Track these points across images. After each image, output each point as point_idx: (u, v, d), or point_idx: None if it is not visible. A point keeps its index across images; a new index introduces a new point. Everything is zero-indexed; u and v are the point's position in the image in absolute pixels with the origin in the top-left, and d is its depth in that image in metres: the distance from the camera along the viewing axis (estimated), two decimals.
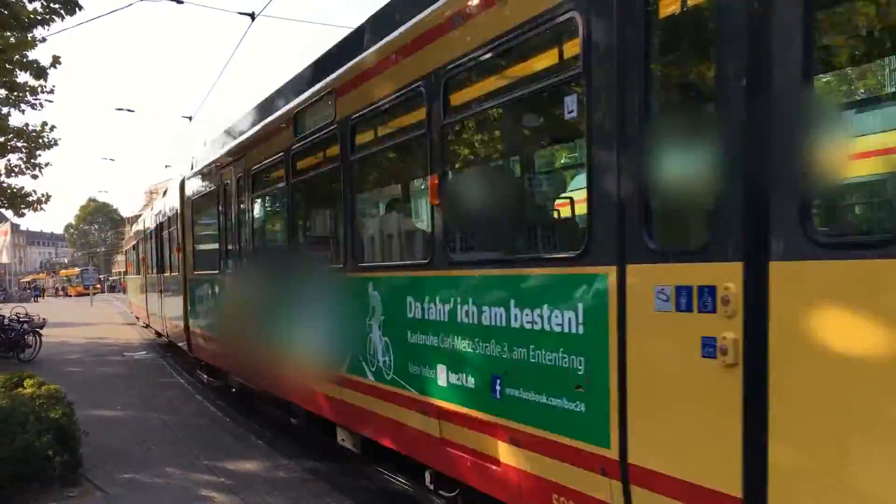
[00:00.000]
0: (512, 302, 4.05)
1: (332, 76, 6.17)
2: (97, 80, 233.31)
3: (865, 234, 3.56)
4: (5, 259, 33.76)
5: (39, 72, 14.17)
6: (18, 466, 6.04)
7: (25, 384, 7.65)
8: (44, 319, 18.65)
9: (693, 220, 3.39)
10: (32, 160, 18.98)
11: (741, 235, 2.84)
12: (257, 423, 9.41)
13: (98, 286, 79.99)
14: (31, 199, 18.99)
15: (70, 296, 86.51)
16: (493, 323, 4.18)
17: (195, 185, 11.74)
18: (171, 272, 15.15)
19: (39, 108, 17.92)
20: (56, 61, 14.00)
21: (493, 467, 4.26)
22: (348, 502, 5.97)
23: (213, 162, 10.25)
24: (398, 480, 6.19)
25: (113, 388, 12.66)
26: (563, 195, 6.20)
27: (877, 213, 5.73)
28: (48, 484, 6.34)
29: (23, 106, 17.88)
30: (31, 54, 14.48)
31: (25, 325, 17.23)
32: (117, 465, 7.20)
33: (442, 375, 4.68)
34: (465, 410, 4.48)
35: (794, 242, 2.66)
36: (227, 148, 9.60)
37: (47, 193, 19.21)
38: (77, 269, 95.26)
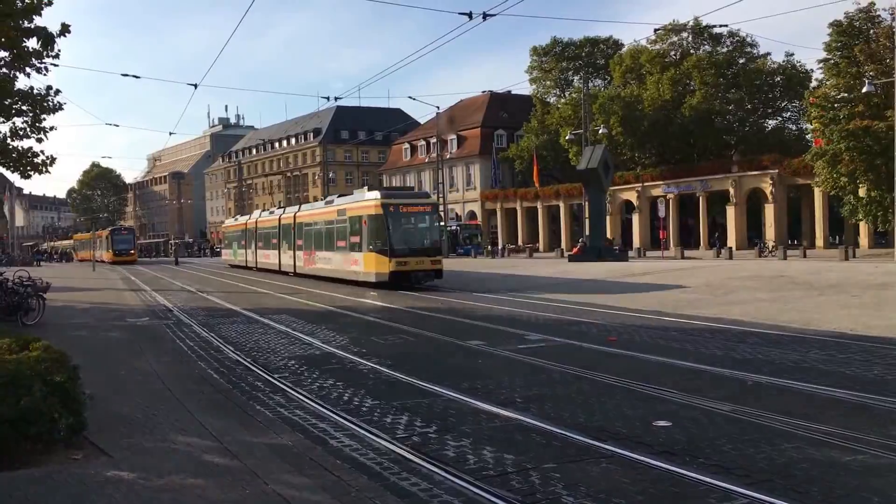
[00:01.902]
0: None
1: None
2: (103, 45, 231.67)
3: None
4: (21, 222, 36.68)
5: (47, 39, 14.05)
6: (24, 428, 6.08)
7: (30, 347, 7.68)
8: (47, 283, 18.69)
9: None
10: (37, 124, 18.91)
11: None
12: (260, 392, 9.46)
13: (134, 252, 72.46)
14: (36, 160, 18.95)
15: (72, 260, 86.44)
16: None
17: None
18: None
19: (45, 72, 17.83)
20: (65, 30, 13.87)
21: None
22: (351, 469, 6.01)
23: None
24: None
25: (117, 352, 12.74)
26: None
27: None
28: (52, 446, 6.39)
29: (28, 69, 17.78)
30: (38, 21, 14.35)
31: (29, 289, 17.27)
32: (121, 430, 7.26)
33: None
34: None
35: None
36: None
37: (52, 155, 19.18)
38: (105, 232, 75.71)
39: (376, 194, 27.95)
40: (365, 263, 27.54)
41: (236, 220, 57.34)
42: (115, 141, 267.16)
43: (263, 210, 52.09)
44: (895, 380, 9.23)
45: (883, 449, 6.29)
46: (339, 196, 35.25)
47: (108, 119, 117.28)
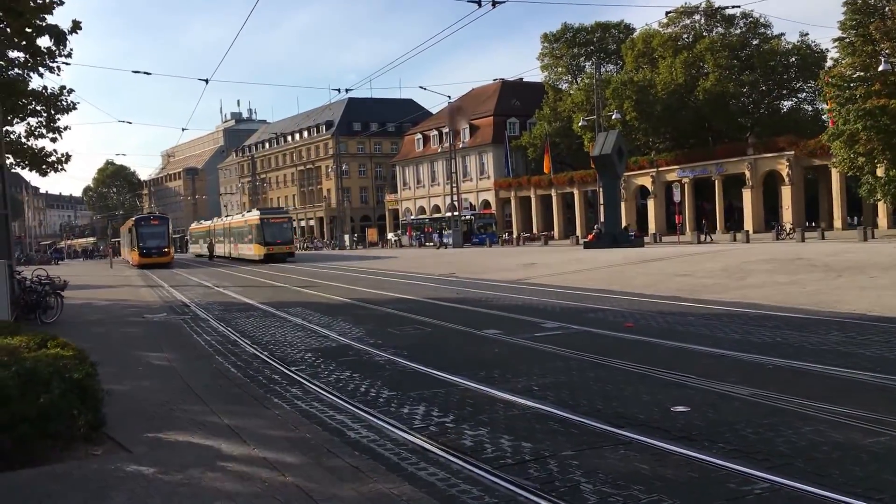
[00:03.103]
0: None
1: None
2: (114, 44, 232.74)
3: None
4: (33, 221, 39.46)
5: (59, 37, 14.13)
6: (43, 425, 6.13)
7: (49, 345, 7.74)
8: (65, 281, 18.83)
9: None
10: (51, 123, 19.05)
11: None
12: (277, 385, 9.49)
13: (169, 250, 50.63)
14: (51, 158, 19.11)
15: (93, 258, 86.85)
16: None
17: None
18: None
19: (58, 71, 17.95)
20: (76, 27, 13.95)
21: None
22: (369, 460, 6.02)
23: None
24: None
25: (134, 348, 12.82)
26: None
27: None
28: (72, 442, 6.45)
29: (41, 69, 17.89)
30: (50, 19, 14.43)
31: (47, 287, 17.41)
32: (140, 425, 7.30)
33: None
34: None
35: None
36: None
37: (67, 153, 19.34)
38: (130, 222, 58.71)
39: (257, 212, 54.76)
40: (255, 250, 51.58)
41: (200, 223, 78.93)
42: (129, 138, 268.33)
43: (218, 218, 77.85)
44: None
45: None
46: (248, 212, 60.86)
47: (121, 117, 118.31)
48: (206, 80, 30.59)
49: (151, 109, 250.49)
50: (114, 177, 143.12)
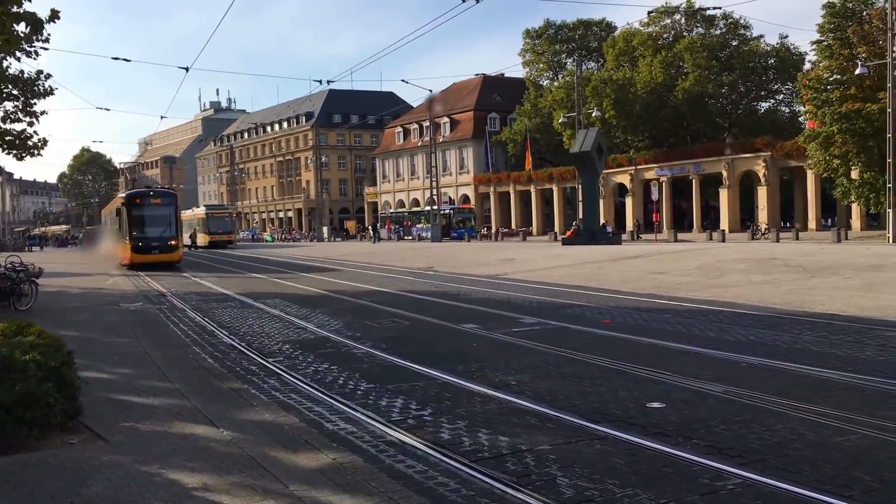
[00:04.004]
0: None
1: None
2: (94, 29, 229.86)
3: None
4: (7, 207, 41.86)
5: (36, 24, 13.94)
6: (19, 413, 6.09)
7: (25, 332, 7.68)
8: (40, 269, 18.63)
9: None
10: (28, 108, 18.82)
11: None
12: (255, 376, 9.47)
13: (176, 244, 33.32)
14: (29, 142, 18.89)
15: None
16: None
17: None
18: None
19: (35, 56, 17.72)
20: (55, 16, 13.76)
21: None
22: (347, 452, 6.04)
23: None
24: None
25: (111, 337, 12.74)
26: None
27: None
28: (48, 431, 6.41)
29: (18, 54, 17.66)
30: (28, 6, 14.22)
31: (21, 274, 17.22)
32: (117, 414, 7.27)
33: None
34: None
35: None
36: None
37: (44, 138, 19.12)
38: (119, 200, 36.62)
39: (204, 207, 65.65)
40: (201, 238, 61.86)
41: None
42: (107, 126, 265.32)
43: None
44: (886, 361, 9.29)
45: (874, 429, 6.34)
46: (197, 208, 69.85)
47: (99, 104, 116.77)
48: (187, 69, 30.36)
49: (130, 97, 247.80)
50: (90, 164, 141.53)
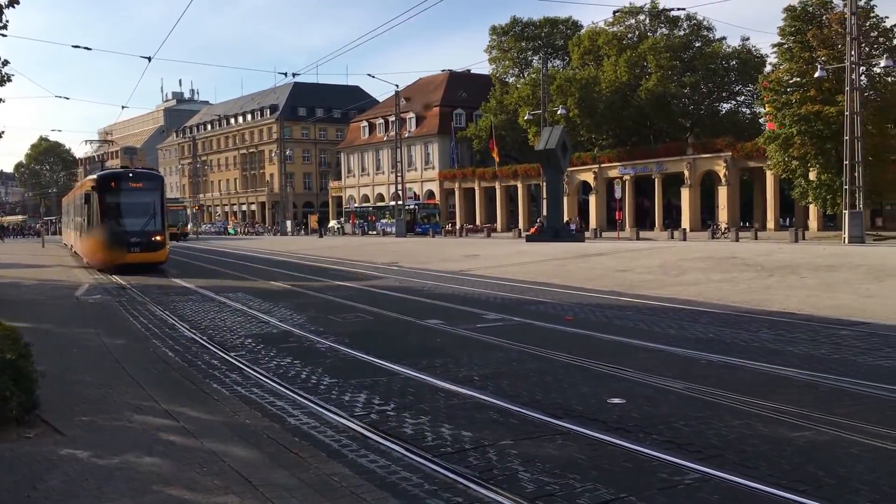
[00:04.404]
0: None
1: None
2: (55, 16, 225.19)
3: None
4: None
5: None
6: None
7: None
8: None
9: None
10: None
11: None
12: (216, 370, 9.39)
13: (162, 239, 25.90)
14: None
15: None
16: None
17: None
18: None
19: None
20: (13, 1, 13.49)
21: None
22: (309, 446, 6.02)
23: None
24: None
25: (69, 330, 12.52)
26: None
27: None
28: (4, 424, 6.29)
29: None
30: None
31: None
32: (74, 408, 7.16)
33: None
34: None
35: None
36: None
37: (1, 131, 18.69)
38: (88, 182, 28.90)
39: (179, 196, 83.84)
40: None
41: None
42: (66, 115, 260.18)
43: None
44: (841, 358, 9.50)
45: (828, 425, 6.49)
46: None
47: (58, 92, 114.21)
48: (149, 58, 29.96)
49: (91, 86, 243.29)
50: (48, 153, 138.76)
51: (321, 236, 66.71)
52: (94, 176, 27.82)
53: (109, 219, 24.99)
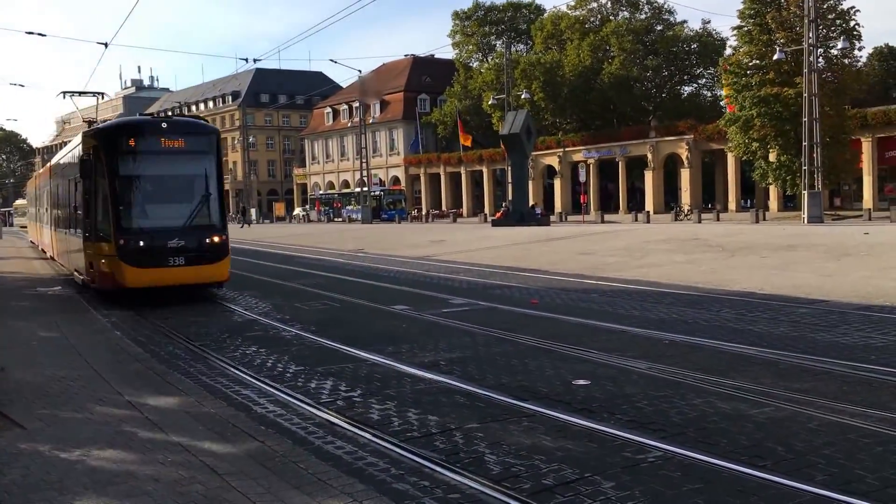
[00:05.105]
0: None
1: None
2: (4, 1, 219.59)
3: None
4: None
5: None
6: None
7: None
8: None
9: None
10: None
11: None
12: (181, 360, 9.31)
13: (222, 241, 15.00)
14: None
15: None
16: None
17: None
18: None
19: None
20: None
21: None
22: (275, 434, 6.00)
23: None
24: None
25: (27, 322, 12.30)
26: None
27: None
28: None
29: None
30: None
31: None
32: (35, 401, 7.05)
33: None
34: None
35: None
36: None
37: None
38: (89, 141, 14.96)
39: None
40: None
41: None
42: (21, 103, 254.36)
43: None
44: (800, 336, 9.68)
45: (787, 402, 6.62)
46: None
47: (12, 80, 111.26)
48: (106, 44, 29.38)
49: (47, 73, 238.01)
50: (3, 143, 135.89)
51: (241, 227, 61.38)
52: (100, 126, 16.12)
53: (125, 203, 14.47)
